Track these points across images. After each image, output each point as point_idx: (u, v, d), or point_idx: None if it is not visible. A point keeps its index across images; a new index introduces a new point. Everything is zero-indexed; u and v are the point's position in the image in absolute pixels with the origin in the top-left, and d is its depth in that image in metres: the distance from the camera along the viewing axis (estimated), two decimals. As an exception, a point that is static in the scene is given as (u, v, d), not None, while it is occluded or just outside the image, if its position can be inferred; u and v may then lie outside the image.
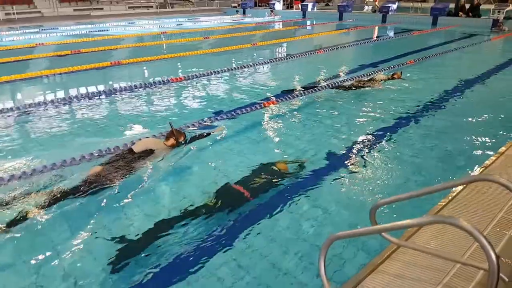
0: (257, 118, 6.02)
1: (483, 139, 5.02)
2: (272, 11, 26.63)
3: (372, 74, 8.51)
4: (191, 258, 2.93)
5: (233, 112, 6.07)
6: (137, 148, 4.33)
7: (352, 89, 7.43)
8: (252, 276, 2.76)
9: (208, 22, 22.28)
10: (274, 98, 6.73)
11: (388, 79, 8.22)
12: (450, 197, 2.95)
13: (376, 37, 15.20)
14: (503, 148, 4.05)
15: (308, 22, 22.63)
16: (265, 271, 2.81)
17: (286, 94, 7.11)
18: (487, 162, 3.69)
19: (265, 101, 6.51)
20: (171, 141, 4.61)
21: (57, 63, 10.39)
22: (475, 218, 2.66)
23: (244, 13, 28.48)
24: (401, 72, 8.43)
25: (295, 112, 6.26)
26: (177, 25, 20.43)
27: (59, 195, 3.57)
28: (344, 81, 7.90)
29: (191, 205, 3.55)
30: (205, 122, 5.67)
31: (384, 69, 9.01)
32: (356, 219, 3.36)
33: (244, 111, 6.11)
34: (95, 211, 3.49)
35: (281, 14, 26.41)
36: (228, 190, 3.72)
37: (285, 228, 3.29)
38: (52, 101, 6.85)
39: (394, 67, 9.24)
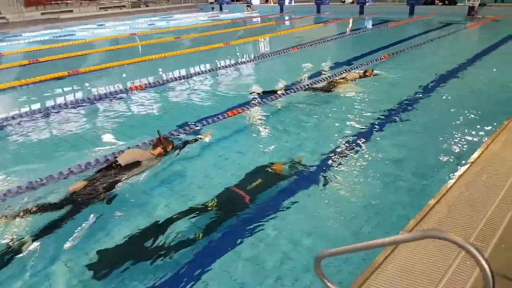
0: (237, 122, 5.79)
1: (463, 135, 4.86)
2: (248, 6, 26.07)
3: (344, 72, 8.16)
4: (187, 268, 2.91)
5: (214, 118, 5.79)
6: (122, 160, 4.08)
7: (324, 90, 7.05)
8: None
9: (182, 20, 21.63)
10: (241, 107, 6.29)
11: (360, 77, 7.90)
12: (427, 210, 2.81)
13: (352, 30, 14.84)
14: (485, 143, 3.85)
15: (286, 17, 22.17)
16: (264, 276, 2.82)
17: (255, 98, 6.72)
18: (471, 159, 3.51)
19: (238, 107, 6.14)
20: (159, 149, 4.41)
21: (22, 72, 9.79)
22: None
23: (220, 9, 27.85)
24: (373, 69, 8.16)
25: (263, 119, 5.89)
26: (149, 25, 19.75)
27: (37, 216, 3.37)
28: (315, 82, 7.52)
29: (185, 212, 3.47)
30: (190, 128, 5.45)
31: (357, 67, 8.67)
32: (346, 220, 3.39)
33: (225, 116, 5.88)
34: (80, 228, 3.34)
35: (258, 9, 25.89)
36: (227, 194, 3.71)
37: (284, 231, 3.30)
38: (21, 115, 6.36)
39: (368, 63, 8.90)
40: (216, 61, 10.33)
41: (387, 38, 12.71)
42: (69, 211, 3.44)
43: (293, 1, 25.59)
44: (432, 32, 13.34)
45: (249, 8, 25.93)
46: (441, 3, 19.09)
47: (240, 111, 5.99)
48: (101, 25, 20.61)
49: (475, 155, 3.56)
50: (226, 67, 9.42)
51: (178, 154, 4.60)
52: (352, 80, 7.66)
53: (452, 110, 5.87)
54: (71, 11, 25.09)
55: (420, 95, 6.61)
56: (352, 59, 9.69)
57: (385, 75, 8.09)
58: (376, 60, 9.11)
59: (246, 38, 13.69)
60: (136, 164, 4.13)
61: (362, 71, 8.08)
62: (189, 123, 5.61)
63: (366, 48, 11.10)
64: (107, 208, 3.62)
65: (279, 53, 10.71)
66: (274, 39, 14.06)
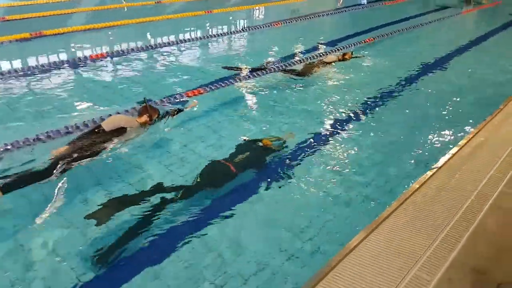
0: (227, 94, 5.79)
1: (442, 131, 4.76)
2: None
3: (324, 54, 7.85)
4: (178, 237, 2.94)
5: (200, 89, 5.70)
6: (107, 126, 3.96)
7: (299, 74, 6.77)
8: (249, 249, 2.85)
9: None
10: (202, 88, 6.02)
11: (339, 60, 7.63)
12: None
13: (345, 6, 14.24)
14: (463, 141, 3.75)
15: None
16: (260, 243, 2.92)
17: (225, 77, 6.43)
18: (447, 156, 3.44)
19: (204, 87, 5.89)
20: (144, 117, 4.29)
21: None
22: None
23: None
24: (352, 52, 7.89)
25: (230, 101, 5.62)
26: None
27: (19, 178, 3.27)
28: (292, 63, 7.24)
29: (171, 185, 3.49)
30: (175, 98, 5.39)
31: (339, 49, 8.35)
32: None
33: (212, 88, 5.86)
34: (63, 195, 3.31)
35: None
36: (215, 166, 3.72)
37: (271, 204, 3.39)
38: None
39: (351, 45, 8.58)
40: (194, 31, 9.89)
41: (379, 18, 12.23)
42: (48, 176, 3.35)
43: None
44: (425, 16, 12.77)
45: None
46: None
47: (201, 91, 5.74)
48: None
49: (445, 158, 3.41)
50: (203, 38, 9.01)
51: (165, 123, 4.57)
52: (330, 63, 7.40)
53: (427, 104, 5.71)
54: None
55: (398, 85, 6.42)
56: (337, 40, 9.34)
57: (364, 59, 7.84)
58: (360, 43, 8.79)
59: (230, 8, 13.03)
60: (121, 130, 4.00)
61: (341, 54, 7.81)
62: (175, 94, 5.52)
63: (355, 28, 10.73)
64: (87, 174, 3.58)
65: (261, 27, 10.27)
66: (260, 11, 13.44)
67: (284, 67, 7.02)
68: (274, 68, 6.83)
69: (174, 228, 3.03)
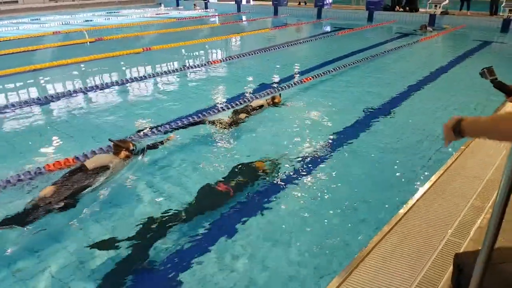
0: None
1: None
2: (194, 4, 24.23)
3: (250, 100, 6.62)
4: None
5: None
6: (89, 165, 4.01)
7: (220, 125, 5.63)
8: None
9: (126, 17, 19.64)
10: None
11: (269, 104, 6.51)
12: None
13: (296, 40, 13.19)
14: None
15: (239, 18, 20.47)
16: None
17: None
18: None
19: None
20: (123, 153, 4.33)
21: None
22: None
23: (177, 5, 25.89)
24: (280, 95, 6.78)
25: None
26: (85, 21, 17.69)
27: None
28: (212, 112, 6.01)
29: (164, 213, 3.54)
30: (152, 132, 5.28)
31: (271, 91, 7.13)
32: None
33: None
34: (51, 235, 3.28)
35: (214, 7, 24.08)
36: (211, 189, 3.83)
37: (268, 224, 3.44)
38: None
39: (287, 86, 7.36)
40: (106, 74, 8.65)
41: (327, 52, 11.20)
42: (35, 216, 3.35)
43: (251, 0, 23.86)
44: (379, 46, 11.63)
45: (196, 6, 24.09)
46: (402, 10, 17.79)
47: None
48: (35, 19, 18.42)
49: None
50: (123, 83, 7.72)
51: (143, 156, 4.60)
52: (257, 108, 6.26)
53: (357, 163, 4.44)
54: (16, 1, 22.72)
55: (329, 138, 5.24)
56: (278, 79, 8.21)
57: (295, 104, 6.70)
58: (297, 83, 7.60)
59: (171, 44, 11.76)
60: (105, 168, 4.04)
61: (270, 98, 6.65)
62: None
63: (298, 65, 9.66)
64: (78, 214, 3.55)
65: (195, 68, 9.05)
66: (204, 46, 12.25)
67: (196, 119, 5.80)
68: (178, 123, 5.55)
69: (175, 251, 3.08)
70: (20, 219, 3.27)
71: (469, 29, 15.10)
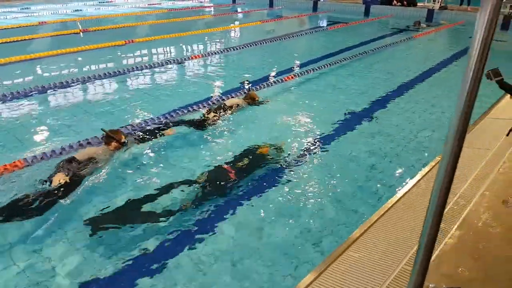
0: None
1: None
2: None
3: (225, 99, 6.26)
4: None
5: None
6: (80, 156, 4.05)
7: (193, 125, 5.32)
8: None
9: (116, 7, 19.16)
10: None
11: (248, 103, 6.15)
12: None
13: (290, 34, 12.75)
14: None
15: (232, 10, 19.96)
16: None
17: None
18: None
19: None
20: (114, 144, 4.34)
21: None
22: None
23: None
24: (252, 90, 6.49)
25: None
26: (75, 11, 17.24)
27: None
28: (188, 111, 5.70)
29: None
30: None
31: (247, 90, 6.76)
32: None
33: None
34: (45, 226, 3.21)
35: (210, -2, 23.53)
36: (217, 172, 3.96)
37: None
38: None
39: (267, 85, 6.97)
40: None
41: (316, 48, 10.79)
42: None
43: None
44: (370, 43, 11.14)
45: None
46: (399, 4, 17.26)
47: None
48: (25, 8, 17.92)
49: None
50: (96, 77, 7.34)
51: (136, 149, 4.54)
52: (233, 107, 5.91)
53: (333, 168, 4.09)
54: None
55: (307, 138, 4.92)
56: (260, 75, 7.81)
57: (275, 102, 6.34)
58: (277, 82, 7.20)
59: (158, 36, 11.32)
60: (95, 160, 4.07)
61: (246, 96, 6.28)
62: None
63: (284, 61, 9.26)
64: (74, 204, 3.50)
65: (172, 63, 8.61)
66: (188, 39, 11.73)
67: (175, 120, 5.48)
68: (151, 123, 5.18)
69: (182, 231, 3.17)
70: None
71: (467, 26, 14.62)
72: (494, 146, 4.15)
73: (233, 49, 9.99)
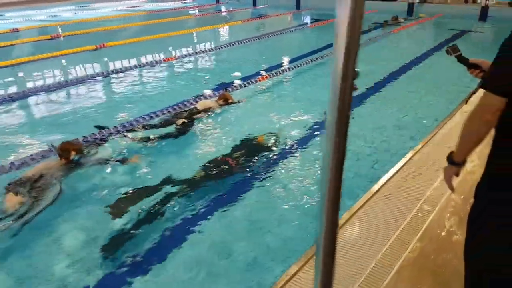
0: None
1: None
2: None
3: (196, 101, 6.07)
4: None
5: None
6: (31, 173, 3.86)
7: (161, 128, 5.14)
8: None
9: (95, 11, 18.87)
10: None
11: (221, 105, 5.91)
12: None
13: (266, 33, 12.47)
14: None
15: (213, 10, 19.77)
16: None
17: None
18: None
19: None
20: (72, 153, 4.10)
21: None
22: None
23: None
24: (226, 90, 6.20)
25: None
26: (51, 16, 16.89)
27: None
28: (155, 115, 5.53)
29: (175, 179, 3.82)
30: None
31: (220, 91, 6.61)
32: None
33: None
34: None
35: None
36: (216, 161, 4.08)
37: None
38: None
39: (244, 84, 6.84)
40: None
41: (297, 46, 10.68)
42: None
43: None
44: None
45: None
46: (381, -3, 17.18)
47: None
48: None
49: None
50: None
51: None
52: (206, 110, 5.69)
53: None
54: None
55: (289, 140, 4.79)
56: (236, 76, 7.63)
57: (249, 102, 6.20)
58: (253, 82, 7.08)
59: (128, 40, 11.06)
60: (46, 176, 3.82)
61: (219, 97, 6.02)
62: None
63: (260, 61, 9.08)
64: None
65: (143, 66, 8.39)
66: (163, 42, 11.48)
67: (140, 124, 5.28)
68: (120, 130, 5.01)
69: (183, 218, 3.26)
70: None
71: (446, 18, 14.59)
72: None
73: (211, 49, 9.84)
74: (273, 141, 4.64)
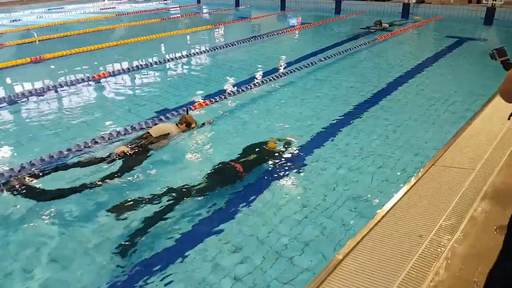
0: None
1: None
2: None
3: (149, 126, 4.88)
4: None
5: None
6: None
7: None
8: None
9: (69, 13, 17.34)
10: None
11: (183, 130, 4.76)
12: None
13: (241, 40, 10.87)
14: None
15: (203, 10, 18.22)
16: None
17: None
18: None
19: None
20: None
21: None
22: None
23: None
24: (188, 111, 5.23)
25: None
26: (12, 21, 15.36)
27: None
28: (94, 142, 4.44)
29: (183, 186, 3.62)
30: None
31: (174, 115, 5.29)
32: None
33: None
34: None
35: (173, -1, 21.67)
36: (225, 168, 3.82)
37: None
38: None
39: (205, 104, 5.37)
40: None
41: (269, 57, 9.07)
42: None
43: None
44: (327, 50, 9.11)
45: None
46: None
47: None
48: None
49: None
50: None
51: None
52: (156, 139, 4.46)
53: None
54: None
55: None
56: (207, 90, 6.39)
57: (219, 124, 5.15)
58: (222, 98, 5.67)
59: (78, 49, 9.62)
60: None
61: (181, 121, 4.82)
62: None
63: (226, 73, 7.75)
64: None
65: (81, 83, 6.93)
66: (115, 50, 9.98)
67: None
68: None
69: (191, 226, 3.17)
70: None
71: (445, 21, 13.08)
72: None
73: (180, 57, 8.42)
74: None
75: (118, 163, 3.96)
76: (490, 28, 12.06)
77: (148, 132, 4.48)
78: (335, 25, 13.13)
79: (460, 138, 4.06)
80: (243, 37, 10.58)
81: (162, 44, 10.84)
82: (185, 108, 5.29)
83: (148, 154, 4.20)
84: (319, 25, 12.75)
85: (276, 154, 4.19)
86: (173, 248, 2.91)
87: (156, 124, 4.89)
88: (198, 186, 3.54)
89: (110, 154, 4.10)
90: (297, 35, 11.68)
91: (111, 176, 3.77)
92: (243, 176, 3.70)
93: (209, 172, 3.74)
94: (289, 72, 7.19)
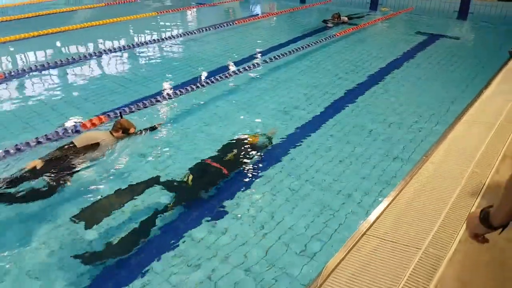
0: None
1: None
2: None
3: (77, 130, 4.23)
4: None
5: None
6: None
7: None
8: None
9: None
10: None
11: (118, 138, 4.07)
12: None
13: (191, 30, 9.29)
14: None
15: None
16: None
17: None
18: None
19: None
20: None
21: None
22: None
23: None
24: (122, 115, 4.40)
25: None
26: None
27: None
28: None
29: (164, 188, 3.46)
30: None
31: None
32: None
33: None
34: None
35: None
36: (206, 169, 3.66)
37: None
38: None
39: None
40: None
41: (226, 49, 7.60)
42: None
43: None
44: (279, 49, 7.72)
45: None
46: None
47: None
48: None
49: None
50: None
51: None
52: (83, 150, 3.77)
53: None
54: None
55: None
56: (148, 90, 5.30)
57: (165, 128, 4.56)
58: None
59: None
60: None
61: (115, 128, 4.09)
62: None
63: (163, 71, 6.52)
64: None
65: None
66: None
67: None
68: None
69: (171, 230, 3.01)
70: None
71: (415, 15, 11.89)
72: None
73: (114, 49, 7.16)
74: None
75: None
76: (464, 23, 10.99)
77: (72, 142, 3.72)
78: (299, 16, 11.72)
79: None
80: (201, 26, 9.26)
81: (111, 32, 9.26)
82: (118, 112, 4.42)
83: (73, 170, 3.52)
84: (279, 15, 11.31)
85: (258, 148, 4.04)
86: (154, 252, 2.78)
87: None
88: (179, 189, 3.39)
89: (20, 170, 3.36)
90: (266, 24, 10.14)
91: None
92: (226, 175, 3.58)
93: (193, 174, 3.48)
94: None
